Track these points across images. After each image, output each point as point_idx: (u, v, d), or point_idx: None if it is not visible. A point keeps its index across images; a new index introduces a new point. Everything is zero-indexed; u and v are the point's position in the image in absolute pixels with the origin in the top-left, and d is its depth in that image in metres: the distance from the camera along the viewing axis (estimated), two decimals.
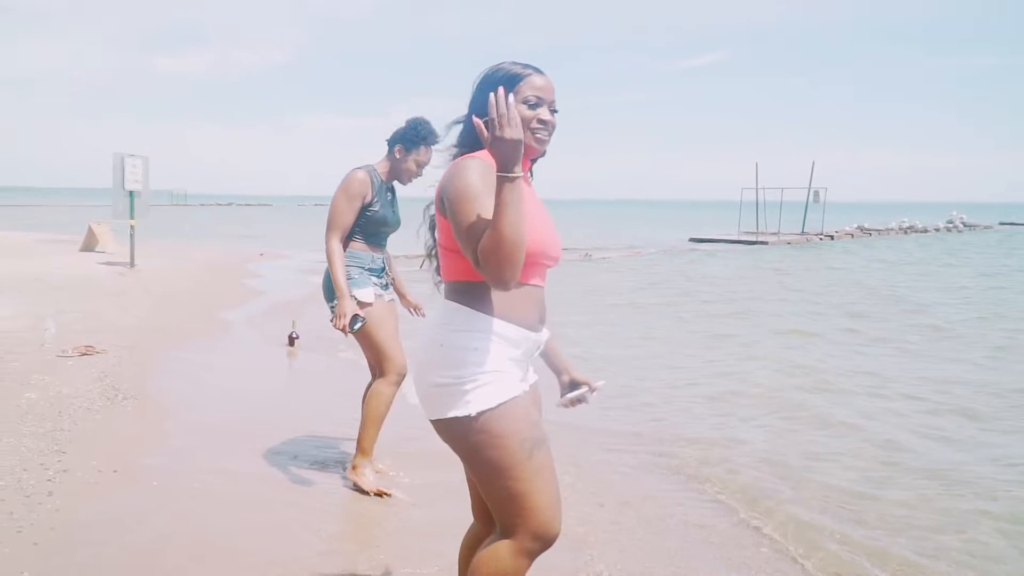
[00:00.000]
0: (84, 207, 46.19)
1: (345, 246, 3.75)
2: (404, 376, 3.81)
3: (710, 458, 4.79)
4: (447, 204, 1.84)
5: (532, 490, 1.86)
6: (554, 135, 2.01)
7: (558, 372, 2.27)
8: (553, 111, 1.98)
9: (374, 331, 3.75)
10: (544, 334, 2.07)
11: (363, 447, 3.88)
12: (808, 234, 32.96)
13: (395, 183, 3.92)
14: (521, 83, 1.94)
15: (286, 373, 7.04)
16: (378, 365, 3.86)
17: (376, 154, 3.92)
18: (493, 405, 1.85)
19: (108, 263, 13.84)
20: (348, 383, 5.50)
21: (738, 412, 5.97)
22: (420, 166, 3.82)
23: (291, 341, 7.69)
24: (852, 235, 35.79)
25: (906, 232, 39.32)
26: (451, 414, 1.87)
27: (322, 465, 4.27)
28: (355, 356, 6.49)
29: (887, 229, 39.18)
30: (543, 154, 2.03)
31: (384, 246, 3.95)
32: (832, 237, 33.57)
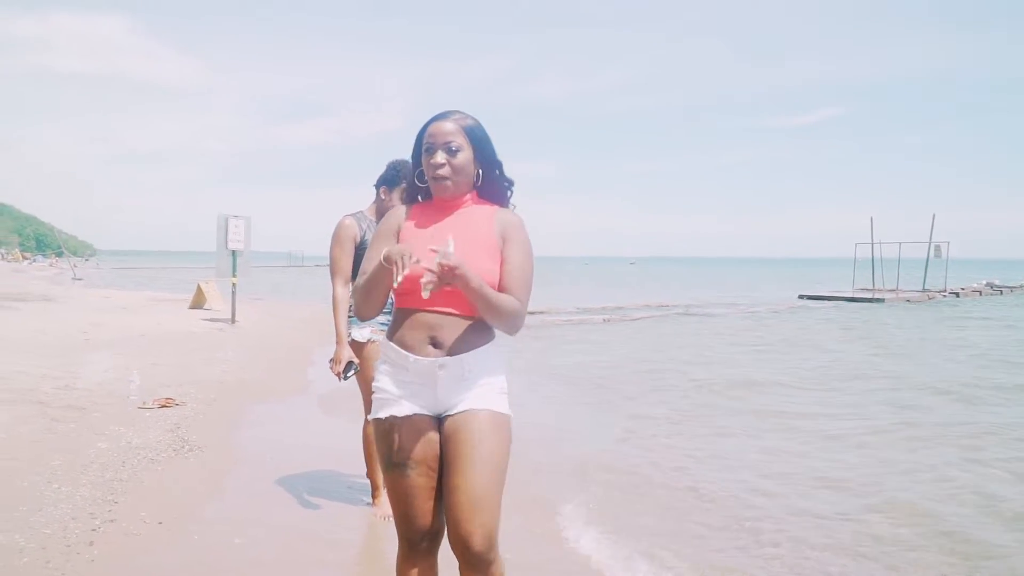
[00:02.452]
0: (205, 268, 48.71)
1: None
2: None
3: None
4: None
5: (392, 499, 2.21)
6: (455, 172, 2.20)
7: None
8: (450, 151, 2.18)
9: (365, 371, 3.82)
10: (447, 359, 2.13)
11: (374, 483, 4.25)
12: (930, 291, 30.94)
13: None
14: (423, 133, 2.24)
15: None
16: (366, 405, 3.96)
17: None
18: (373, 417, 2.25)
19: (211, 319, 14.36)
20: None
21: None
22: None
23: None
24: (980, 292, 33.37)
25: None
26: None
27: (370, 527, 4.07)
28: None
29: (1020, 286, 36.40)
30: (454, 187, 2.22)
31: None
32: (957, 294, 31.39)
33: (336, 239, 3.98)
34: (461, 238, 2.11)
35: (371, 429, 3.92)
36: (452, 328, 2.13)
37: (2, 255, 62.43)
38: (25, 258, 63.22)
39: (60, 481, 4.38)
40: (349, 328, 3.92)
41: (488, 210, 2.26)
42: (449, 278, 1.96)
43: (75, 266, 43.87)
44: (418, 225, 2.25)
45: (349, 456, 4.69)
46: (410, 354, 2.13)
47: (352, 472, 4.82)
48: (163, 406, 6.54)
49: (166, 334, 11.74)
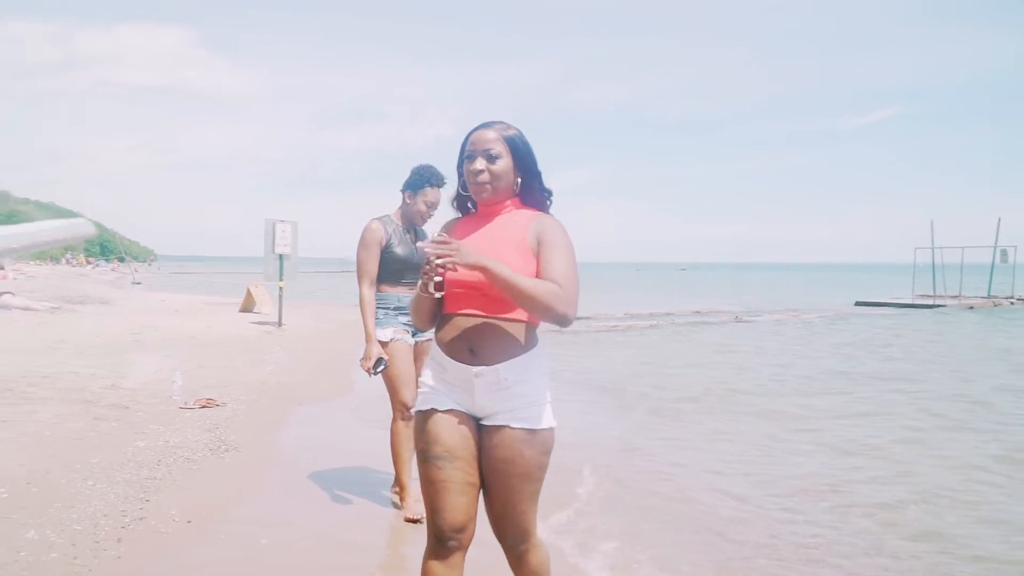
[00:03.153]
0: (257, 272, 49.54)
1: (379, 290, 4.15)
2: (408, 411, 4.05)
3: None
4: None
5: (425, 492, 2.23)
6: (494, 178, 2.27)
7: None
8: (489, 158, 2.25)
9: (390, 369, 4.04)
10: (484, 368, 2.18)
11: (401, 483, 4.24)
12: (996, 297, 29.77)
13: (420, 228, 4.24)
14: (466, 142, 2.31)
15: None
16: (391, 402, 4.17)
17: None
18: (415, 409, 2.32)
19: (259, 323, 14.58)
20: None
21: None
22: (429, 207, 4.15)
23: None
24: None
25: None
26: None
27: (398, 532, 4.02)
28: None
29: None
30: (492, 193, 2.29)
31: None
32: None
33: (362, 242, 4.12)
34: (492, 237, 2.21)
35: (398, 427, 4.16)
36: (490, 335, 2.18)
37: (68, 260, 64.56)
38: (89, 263, 65.33)
39: (96, 478, 4.44)
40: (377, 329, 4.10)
41: (528, 214, 2.31)
42: (447, 260, 2.06)
43: (135, 270, 45.18)
44: (459, 232, 2.35)
45: (386, 459, 4.66)
46: (449, 358, 2.22)
47: (388, 475, 4.77)
48: (204, 406, 6.62)
49: (214, 336, 11.94)
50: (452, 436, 2.19)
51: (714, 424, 7.24)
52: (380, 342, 4.03)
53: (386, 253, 4.11)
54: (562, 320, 2.13)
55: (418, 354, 4.19)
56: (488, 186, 2.27)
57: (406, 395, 4.06)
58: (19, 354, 8.95)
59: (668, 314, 23.50)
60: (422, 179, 4.11)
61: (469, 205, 2.41)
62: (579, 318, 18.07)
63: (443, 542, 2.18)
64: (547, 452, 2.24)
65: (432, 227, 4.16)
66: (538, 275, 2.15)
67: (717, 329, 18.51)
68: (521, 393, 2.18)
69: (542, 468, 2.23)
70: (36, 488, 4.22)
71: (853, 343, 15.26)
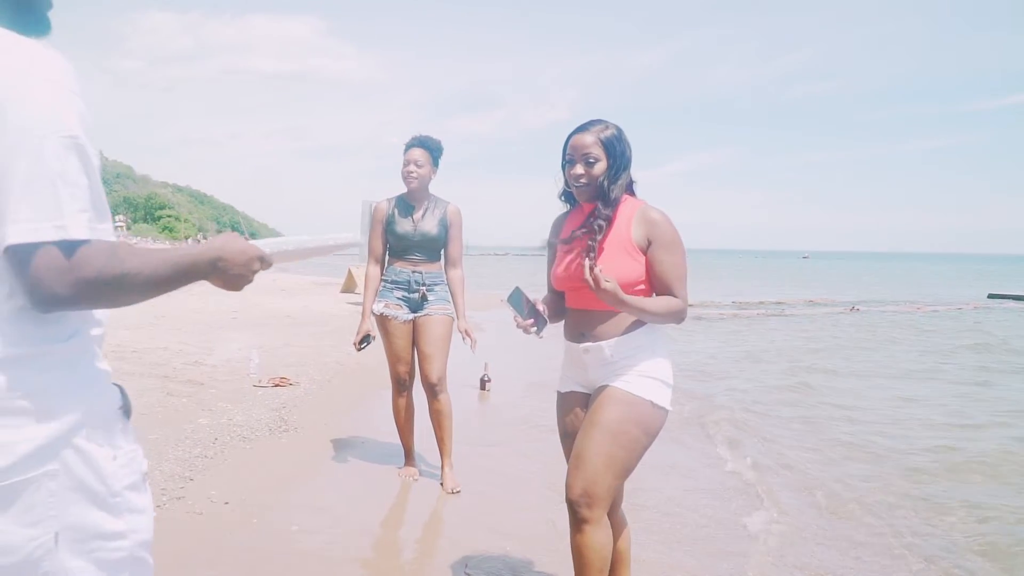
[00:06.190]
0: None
1: (388, 263, 4.34)
2: (401, 385, 4.37)
3: None
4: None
5: None
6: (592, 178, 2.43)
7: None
8: (588, 163, 2.41)
9: (383, 347, 4.35)
10: (591, 345, 2.44)
11: (405, 447, 4.59)
12: None
13: (437, 205, 4.30)
14: (566, 145, 2.49)
15: (466, 417, 6.72)
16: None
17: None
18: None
19: (355, 303, 14.78)
20: (537, 444, 5.01)
21: None
22: (405, 164, 4.22)
23: (483, 385, 7.42)
24: None
25: None
26: None
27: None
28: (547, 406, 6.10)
29: None
30: (592, 197, 2.45)
31: (423, 260, 4.25)
32: None
33: (372, 222, 4.38)
34: (603, 240, 2.41)
35: (395, 401, 4.44)
36: (596, 321, 2.44)
37: (198, 240, 68.38)
38: None
39: (148, 455, 4.42)
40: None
41: (629, 207, 2.45)
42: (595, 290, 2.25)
43: None
44: (567, 227, 2.58)
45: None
46: (568, 341, 2.54)
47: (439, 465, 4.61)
48: (277, 385, 6.66)
49: (309, 316, 12.18)
50: (567, 414, 2.58)
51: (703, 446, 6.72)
52: (374, 315, 4.26)
53: (387, 231, 4.27)
54: (679, 322, 2.42)
55: (418, 329, 4.26)
56: (589, 188, 2.44)
57: (398, 369, 4.34)
58: (119, 328, 9.32)
59: (779, 303, 22.51)
60: (405, 147, 4.29)
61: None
62: None
63: (572, 512, 2.37)
64: (640, 425, 2.35)
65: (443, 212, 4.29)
66: (648, 272, 2.37)
67: (829, 320, 17.51)
68: (627, 366, 2.38)
69: (630, 438, 2.33)
70: None
71: (974, 336, 14.05)
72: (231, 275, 1.33)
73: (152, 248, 1.21)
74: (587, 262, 2.26)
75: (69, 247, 1.06)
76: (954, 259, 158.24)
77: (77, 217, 1.07)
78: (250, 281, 1.37)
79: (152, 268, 1.16)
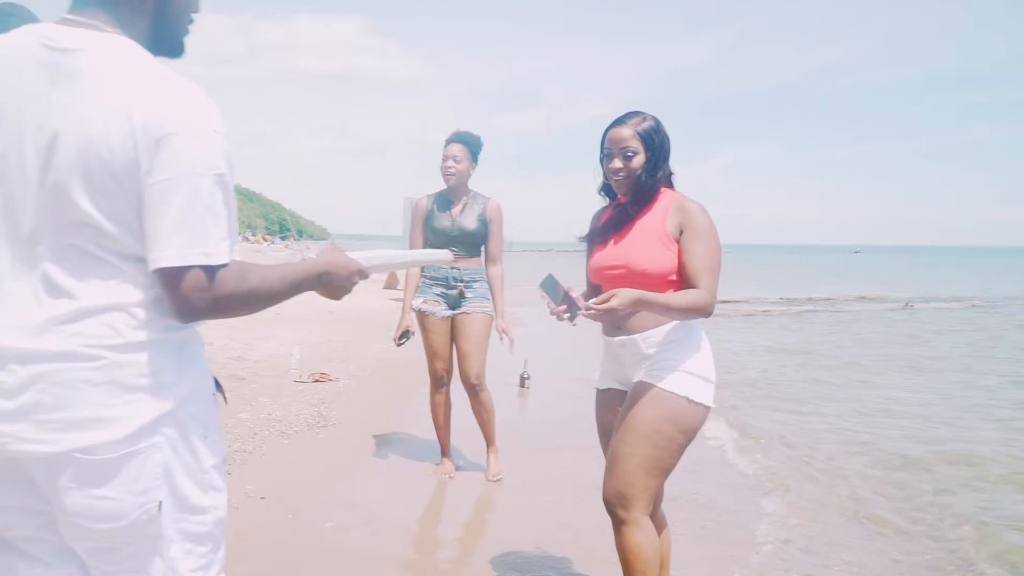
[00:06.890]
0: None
1: None
2: (439, 381, 4.38)
3: None
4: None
5: None
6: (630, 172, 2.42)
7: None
8: (626, 157, 2.40)
9: (422, 343, 4.37)
10: (625, 338, 2.41)
11: (441, 444, 4.58)
12: None
13: (476, 201, 4.29)
14: (604, 139, 2.48)
15: (505, 415, 6.67)
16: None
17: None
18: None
19: (397, 300, 14.83)
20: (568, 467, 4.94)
21: None
22: (444, 159, 4.23)
23: (522, 382, 7.36)
24: None
25: None
26: None
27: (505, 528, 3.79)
28: (587, 404, 6.03)
29: None
30: (631, 190, 2.44)
31: (461, 255, 4.21)
32: None
33: (412, 219, 4.45)
34: (636, 230, 2.40)
35: (432, 397, 4.43)
36: (631, 316, 2.36)
37: (247, 237, 69.64)
38: (265, 240, 70.14)
39: None
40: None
41: (668, 199, 2.43)
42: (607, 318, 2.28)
43: (308, 248, 47.83)
44: (606, 219, 2.56)
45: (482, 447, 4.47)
46: (604, 336, 2.50)
47: (481, 462, 4.58)
48: (317, 380, 6.71)
49: (352, 312, 12.24)
50: (605, 412, 2.56)
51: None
52: (414, 310, 4.31)
53: (426, 226, 4.30)
54: (705, 316, 2.33)
55: (456, 327, 4.27)
56: (627, 182, 2.43)
57: (435, 366, 4.35)
58: None
59: (828, 299, 22.03)
60: (445, 143, 4.32)
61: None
62: (725, 301, 17.28)
63: (609, 512, 2.36)
64: (675, 422, 2.29)
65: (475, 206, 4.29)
66: (680, 262, 2.33)
67: (877, 317, 17.07)
68: (663, 360, 2.33)
69: (665, 437, 2.28)
70: None
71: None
72: (334, 287, 1.49)
73: (269, 266, 1.37)
74: (580, 314, 2.24)
75: (211, 270, 1.24)
76: (1013, 253, 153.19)
77: (220, 244, 1.25)
78: (349, 292, 1.53)
79: (270, 284, 1.33)
